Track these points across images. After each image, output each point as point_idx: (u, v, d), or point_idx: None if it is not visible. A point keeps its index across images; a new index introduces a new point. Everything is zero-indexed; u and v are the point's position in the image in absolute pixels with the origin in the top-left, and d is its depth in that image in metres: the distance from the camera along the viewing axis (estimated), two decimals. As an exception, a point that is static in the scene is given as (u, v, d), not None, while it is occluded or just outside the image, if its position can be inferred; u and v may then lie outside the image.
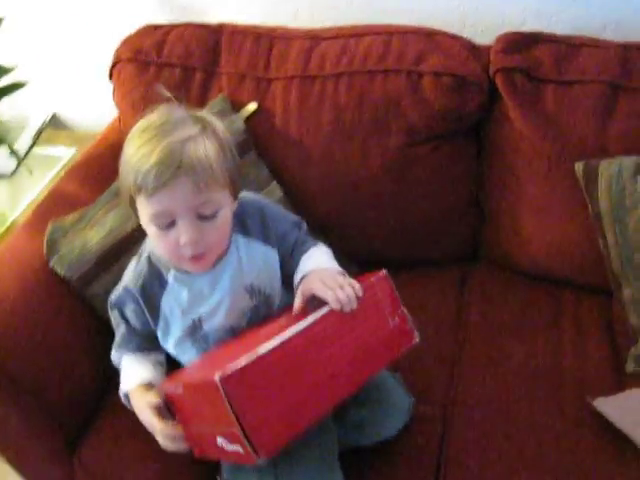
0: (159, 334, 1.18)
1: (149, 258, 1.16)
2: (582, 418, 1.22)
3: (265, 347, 0.93)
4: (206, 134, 1.04)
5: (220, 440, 0.96)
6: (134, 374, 1.16)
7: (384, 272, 1.08)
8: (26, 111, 1.87)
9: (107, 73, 1.56)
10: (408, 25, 1.46)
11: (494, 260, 1.53)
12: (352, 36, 1.45)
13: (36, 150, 1.81)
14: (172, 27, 1.52)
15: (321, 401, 0.98)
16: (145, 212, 1.04)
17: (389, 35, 1.44)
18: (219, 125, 1.09)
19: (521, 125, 1.37)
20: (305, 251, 1.18)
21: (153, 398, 1.06)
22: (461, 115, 1.40)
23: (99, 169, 1.50)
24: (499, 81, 1.38)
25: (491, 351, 1.36)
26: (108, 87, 1.59)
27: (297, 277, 1.12)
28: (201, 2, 1.68)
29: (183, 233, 1.03)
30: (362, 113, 1.40)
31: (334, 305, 1.00)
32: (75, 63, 1.85)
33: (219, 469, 1.21)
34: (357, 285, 1.03)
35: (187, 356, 1.19)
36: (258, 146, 1.45)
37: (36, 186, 1.73)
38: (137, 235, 1.32)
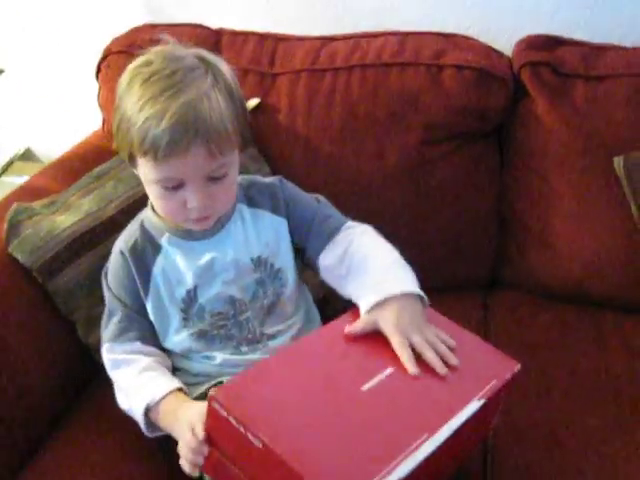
0: (149, 307, 1.01)
1: (142, 223, 1.05)
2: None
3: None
4: (218, 87, 0.93)
5: None
6: (163, 380, 0.97)
7: None
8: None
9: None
10: (423, 30, 1.38)
11: (520, 278, 1.35)
12: (364, 37, 1.36)
13: (5, 179, 1.64)
14: (170, 26, 1.40)
15: None
16: (150, 175, 0.93)
17: (404, 36, 1.34)
18: (227, 69, 0.97)
19: (550, 122, 1.26)
20: (336, 230, 1.02)
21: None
22: (484, 112, 1.28)
23: (79, 167, 1.30)
24: (525, 76, 1.28)
25: (532, 374, 1.15)
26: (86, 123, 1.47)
27: (365, 294, 0.93)
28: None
29: (192, 198, 0.93)
30: (376, 107, 1.28)
31: (412, 370, 0.84)
32: (53, 98, 1.73)
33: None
34: (450, 340, 0.89)
35: (179, 338, 1.02)
36: (260, 144, 1.30)
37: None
38: (119, 221, 1.14)
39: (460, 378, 0.86)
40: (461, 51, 1.30)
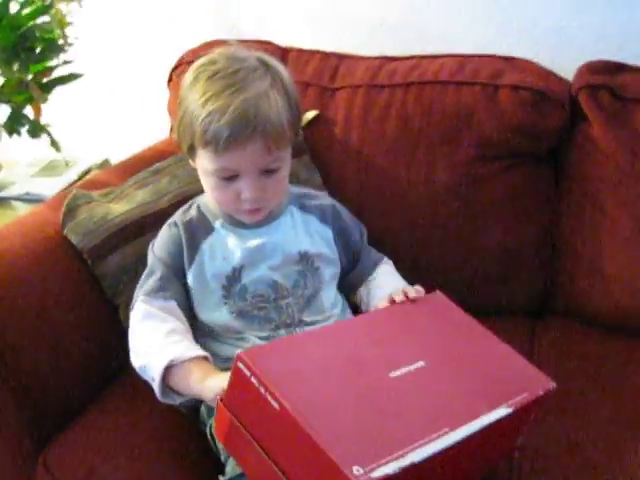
0: (190, 278, 1.06)
1: (198, 206, 1.12)
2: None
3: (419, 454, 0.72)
4: (277, 87, 1.01)
5: None
6: (191, 345, 0.97)
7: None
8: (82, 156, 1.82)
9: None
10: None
11: (570, 306, 1.31)
12: (425, 58, 1.38)
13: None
14: (240, 42, 1.47)
15: None
16: (209, 166, 1.01)
17: (464, 58, 1.36)
18: (285, 73, 1.05)
19: (607, 146, 1.23)
20: (377, 263, 1.18)
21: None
22: (539, 133, 1.27)
23: (141, 167, 1.36)
24: (583, 99, 1.26)
25: (572, 398, 1.10)
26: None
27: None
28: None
29: (246, 189, 1.01)
30: (431, 122, 1.29)
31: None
32: (129, 109, 1.83)
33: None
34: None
35: (218, 314, 1.06)
36: (315, 154, 1.34)
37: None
38: (170, 214, 1.17)
39: (491, 385, 0.85)
40: (519, 72, 1.30)
